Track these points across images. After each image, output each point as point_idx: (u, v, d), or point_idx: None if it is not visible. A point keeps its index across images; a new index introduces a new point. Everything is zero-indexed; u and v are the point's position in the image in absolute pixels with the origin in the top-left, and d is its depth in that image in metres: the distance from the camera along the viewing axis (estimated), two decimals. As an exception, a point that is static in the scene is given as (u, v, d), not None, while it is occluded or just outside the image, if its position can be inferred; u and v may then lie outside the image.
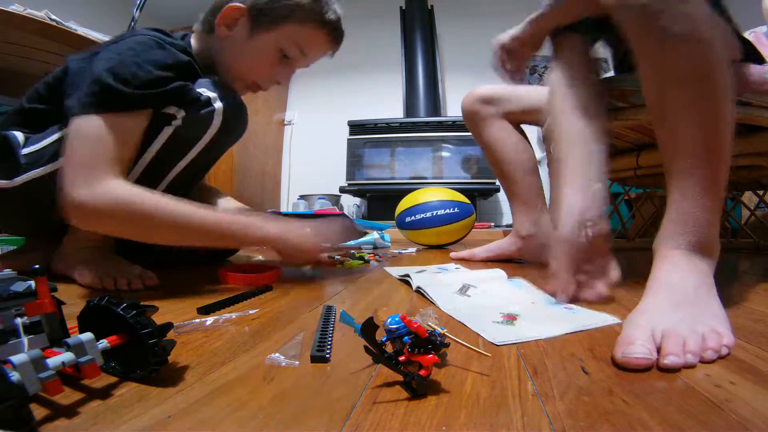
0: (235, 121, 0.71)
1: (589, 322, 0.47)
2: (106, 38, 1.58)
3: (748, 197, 1.64)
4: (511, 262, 1.03)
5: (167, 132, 0.65)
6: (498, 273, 0.75)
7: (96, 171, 0.56)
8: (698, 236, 0.49)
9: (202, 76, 0.70)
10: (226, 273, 0.74)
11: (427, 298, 0.61)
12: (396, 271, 0.85)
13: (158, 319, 0.32)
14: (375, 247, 1.49)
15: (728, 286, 0.70)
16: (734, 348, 0.38)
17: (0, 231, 0.87)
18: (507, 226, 2.49)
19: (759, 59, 0.70)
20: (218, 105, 0.66)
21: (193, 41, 0.77)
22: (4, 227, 0.83)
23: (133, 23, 1.63)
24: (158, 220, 0.58)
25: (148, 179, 0.67)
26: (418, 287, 0.66)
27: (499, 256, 1.06)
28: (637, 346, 0.36)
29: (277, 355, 0.35)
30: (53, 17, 1.37)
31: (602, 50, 0.84)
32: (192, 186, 0.85)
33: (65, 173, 0.57)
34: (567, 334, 0.43)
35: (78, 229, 0.73)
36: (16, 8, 1.27)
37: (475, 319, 0.49)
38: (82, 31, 1.45)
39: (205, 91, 0.67)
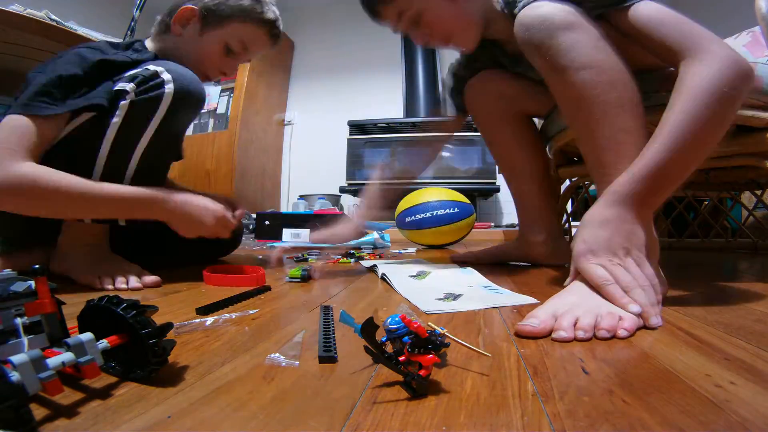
0: (189, 89, 0.71)
1: (509, 301, 0.57)
2: (106, 38, 1.58)
3: (747, 197, 1.65)
4: (518, 265, 1.01)
5: (124, 107, 0.66)
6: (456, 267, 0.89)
7: (5, 153, 0.60)
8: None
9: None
10: (208, 274, 0.74)
11: (387, 282, 0.72)
12: (367, 264, 0.98)
13: (158, 319, 0.32)
14: (375, 247, 1.50)
15: (728, 286, 0.70)
16: (734, 348, 0.38)
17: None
18: (507, 226, 2.49)
19: None
20: (166, 75, 0.68)
21: (149, 43, 0.84)
22: None
23: (133, 23, 1.63)
24: (64, 194, 0.62)
25: (116, 160, 0.68)
26: (383, 274, 0.77)
27: (502, 260, 1.03)
28: (532, 319, 0.42)
29: (277, 355, 0.35)
30: (53, 17, 1.37)
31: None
32: (162, 173, 0.83)
33: None
34: (487, 308, 0.54)
35: (71, 229, 0.73)
36: (16, 8, 1.27)
37: (422, 296, 0.60)
38: (82, 31, 1.45)
39: (151, 66, 0.69)
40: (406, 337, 0.31)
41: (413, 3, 0.78)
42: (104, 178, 0.67)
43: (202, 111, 1.17)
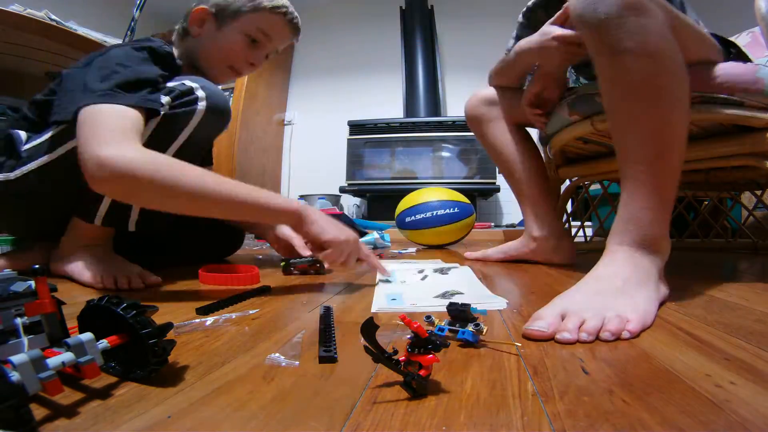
0: (219, 107, 0.73)
1: (484, 302, 0.57)
2: (106, 38, 1.58)
3: (747, 197, 1.64)
4: (525, 263, 1.02)
5: (156, 119, 0.67)
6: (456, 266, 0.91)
7: (127, 135, 0.58)
8: (642, 234, 0.54)
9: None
10: (203, 273, 0.74)
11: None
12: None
13: (158, 319, 0.32)
14: (375, 247, 1.49)
15: (728, 286, 0.70)
16: (734, 348, 0.38)
17: (0, 231, 0.87)
18: (507, 226, 2.49)
19: (747, 61, 0.71)
20: (200, 92, 0.71)
21: (174, 49, 0.85)
22: (4, 226, 0.84)
23: (133, 23, 1.63)
24: (183, 185, 0.56)
25: None
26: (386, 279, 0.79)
27: (513, 257, 1.05)
28: (540, 321, 0.42)
29: (277, 355, 0.35)
30: (53, 17, 1.37)
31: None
32: None
33: (93, 135, 0.56)
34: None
35: (75, 229, 0.73)
36: (16, 8, 1.27)
37: (423, 294, 0.63)
38: (82, 31, 1.45)
39: (187, 81, 0.71)
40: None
41: None
42: None
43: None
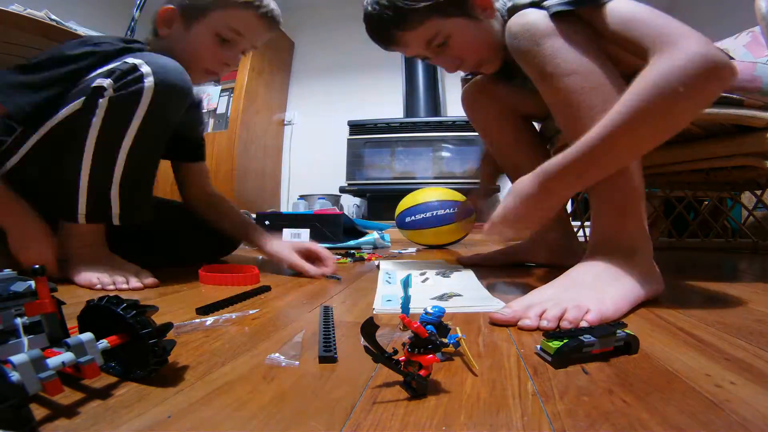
0: (171, 81, 0.68)
1: (476, 308, 0.55)
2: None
3: (747, 197, 1.64)
4: (529, 266, 0.98)
5: (103, 105, 0.64)
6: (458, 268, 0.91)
7: None
8: (614, 246, 0.57)
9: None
10: (203, 274, 0.74)
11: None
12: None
13: (158, 319, 0.32)
14: (375, 247, 1.50)
15: (728, 286, 0.70)
16: (734, 348, 0.38)
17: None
18: (507, 226, 2.49)
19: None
20: (145, 68, 0.65)
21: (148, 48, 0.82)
22: None
23: (133, 23, 1.63)
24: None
25: (102, 162, 0.66)
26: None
27: (520, 261, 0.99)
28: (506, 309, 0.47)
29: (277, 355, 0.35)
30: (53, 17, 1.37)
31: None
32: (151, 173, 0.79)
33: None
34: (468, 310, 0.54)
35: (67, 231, 0.72)
36: (16, 8, 1.27)
37: (420, 296, 0.62)
38: (82, 31, 1.45)
39: (130, 59, 0.65)
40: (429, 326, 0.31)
41: (443, 26, 0.73)
42: (92, 180, 0.66)
43: (203, 110, 1.15)
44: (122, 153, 0.68)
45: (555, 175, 0.54)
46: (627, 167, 0.56)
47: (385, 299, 0.60)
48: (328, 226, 1.50)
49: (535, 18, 0.57)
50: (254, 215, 1.59)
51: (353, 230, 1.59)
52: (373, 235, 1.54)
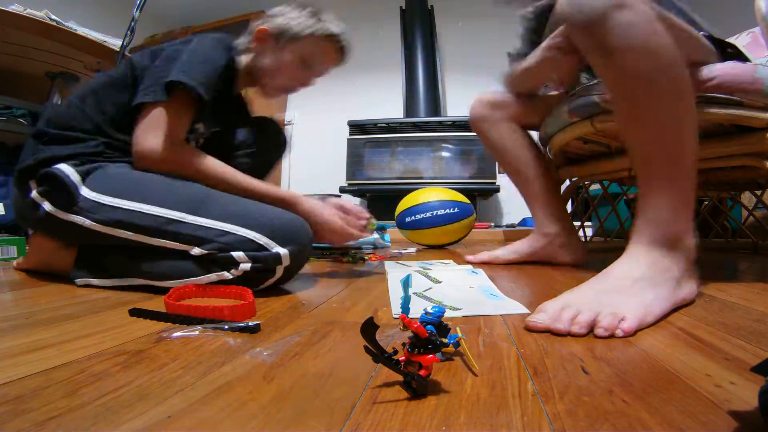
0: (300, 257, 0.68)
1: (497, 310, 0.54)
2: (106, 38, 1.58)
3: (747, 197, 1.64)
4: (537, 264, 1.01)
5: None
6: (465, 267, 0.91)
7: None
8: (661, 232, 0.53)
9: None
10: (169, 302, 0.51)
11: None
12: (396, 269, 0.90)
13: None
14: (375, 247, 1.49)
15: (728, 286, 0.70)
16: (734, 348, 0.38)
17: (0, 231, 0.88)
18: (507, 226, 2.49)
19: (745, 61, 0.70)
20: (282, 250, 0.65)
21: (242, 58, 0.92)
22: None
23: (133, 23, 1.62)
24: (212, 182, 0.74)
25: None
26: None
27: (524, 258, 1.02)
28: (542, 314, 0.44)
29: (276, 354, 0.35)
30: (53, 17, 1.37)
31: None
32: None
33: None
34: (485, 315, 0.52)
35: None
36: (16, 8, 1.27)
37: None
38: (82, 31, 1.45)
39: (276, 249, 0.63)
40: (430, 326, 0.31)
41: None
42: None
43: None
44: None
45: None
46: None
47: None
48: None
49: None
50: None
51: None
52: (373, 235, 1.54)
